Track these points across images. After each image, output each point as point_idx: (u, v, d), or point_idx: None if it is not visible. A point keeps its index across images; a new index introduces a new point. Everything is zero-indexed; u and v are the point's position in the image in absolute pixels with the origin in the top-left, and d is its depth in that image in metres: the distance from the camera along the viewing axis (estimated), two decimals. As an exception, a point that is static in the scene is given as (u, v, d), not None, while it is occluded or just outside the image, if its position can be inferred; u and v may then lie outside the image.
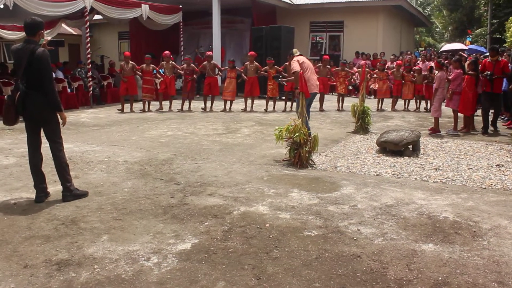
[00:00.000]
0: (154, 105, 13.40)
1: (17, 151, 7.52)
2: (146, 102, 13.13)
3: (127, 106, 12.99)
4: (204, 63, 13.15)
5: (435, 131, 9.35)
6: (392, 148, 7.37)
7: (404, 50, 21.71)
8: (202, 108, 13.13)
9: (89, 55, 14.76)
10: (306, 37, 21.22)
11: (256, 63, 13.09)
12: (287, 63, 12.50)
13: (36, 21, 4.84)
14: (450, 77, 9.62)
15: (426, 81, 12.94)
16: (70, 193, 5.00)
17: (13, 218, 4.45)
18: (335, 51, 20.95)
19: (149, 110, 13.05)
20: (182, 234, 4.02)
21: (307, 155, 6.57)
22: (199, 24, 21.29)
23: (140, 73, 13.07)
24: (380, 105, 13.49)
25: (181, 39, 18.46)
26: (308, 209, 4.68)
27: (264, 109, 13.06)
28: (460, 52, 17.38)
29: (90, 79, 14.22)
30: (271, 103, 13.23)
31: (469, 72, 9.57)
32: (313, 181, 5.76)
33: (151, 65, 13.08)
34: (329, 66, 13.74)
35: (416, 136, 7.52)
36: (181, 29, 18.22)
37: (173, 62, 13.32)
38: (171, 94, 13.30)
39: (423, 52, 20.16)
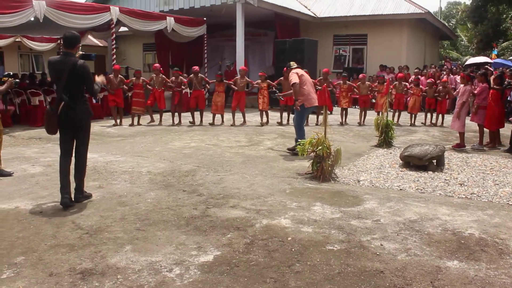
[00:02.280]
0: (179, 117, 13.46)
1: (44, 160, 7.67)
2: (136, 116, 12.83)
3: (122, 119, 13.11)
4: (191, 75, 13.00)
5: (460, 146, 9.22)
6: (416, 163, 7.29)
7: (428, 63, 21.51)
8: (190, 122, 12.94)
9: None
10: (329, 50, 21.22)
11: (247, 78, 13.10)
12: (281, 78, 12.56)
13: (75, 35, 5.23)
14: (475, 91, 9.49)
15: (437, 95, 12.92)
16: (83, 195, 5.37)
17: (39, 226, 4.53)
18: (359, 64, 20.91)
19: (138, 124, 12.72)
20: (204, 246, 4.04)
21: (329, 168, 6.54)
22: (223, 37, 21.50)
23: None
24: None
25: (205, 51, 18.66)
26: (330, 223, 4.65)
27: (260, 122, 12.92)
28: (486, 66, 17.17)
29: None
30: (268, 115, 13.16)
31: (495, 86, 9.43)
32: (335, 195, 5.73)
33: (142, 78, 12.93)
34: (330, 80, 13.49)
35: (440, 151, 7.42)
36: (205, 42, 18.42)
37: (163, 75, 13.07)
38: (161, 108, 13.02)
39: (445, 64, 19.89)
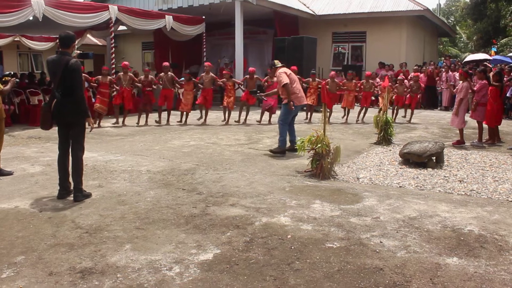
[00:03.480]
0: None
1: (43, 159, 7.66)
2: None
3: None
4: (161, 74, 12.71)
5: (459, 143, 9.22)
6: (415, 160, 7.29)
7: (428, 60, 21.51)
8: (156, 121, 12.63)
9: (113, 65, 15.00)
10: (328, 48, 21.22)
11: (212, 74, 12.94)
12: (247, 76, 12.69)
13: (70, 35, 5.40)
14: (474, 88, 9.49)
15: (409, 90, 13.03)
16: (81, 194, 5.42)
17: (38, 225, 4.53)
18: (358, 62, 20.91)
19: (99, 126, 11.81)
20: (204, 244, 4.04)
21: (329, 166, 6.55)
22: (222, 35, 21.49)
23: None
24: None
25: (204, 49, 18.65)
26: (330, 221, 4.66)
27: (222, 120, 12.84)
28: (485, 63, 17.18)
29: (114, 89, 14.39)
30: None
31: (494, 83, 9.43)
32: (335, 193, 5.74)
33: (108, 77, 12.46)
34: (299, 76, 12.89)
35: (439, 148, 7.43)
36: (204, 40, 18.42)
37: (131, 74, 12.66)
38: (126, 109, 12.54)
39: (444, 61, 19.88)
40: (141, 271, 3.52)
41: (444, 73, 17.10)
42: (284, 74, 8.04)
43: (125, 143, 9.50)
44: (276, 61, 8.56)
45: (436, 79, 17.45)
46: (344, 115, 13.41)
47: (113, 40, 15.40)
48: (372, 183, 6.35)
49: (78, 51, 5.64)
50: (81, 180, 5.44)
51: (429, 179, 6.54)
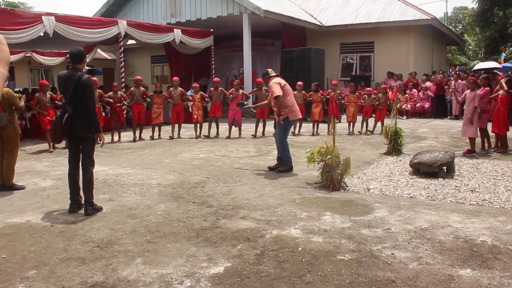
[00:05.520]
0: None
1: (54, 173, 7.72)
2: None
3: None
4: (132, 89, 12.37)
5: (471, 152, 9.15)
6: (426, 170, 7.25)
7: (436, 69, 21.44)
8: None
9: (123, 79, 15.13)
10: (336, 58, 21.24)
11: (181, 89, 12.70)
12: (212, 88, 12.55)
13: (81, 51, 5.57)
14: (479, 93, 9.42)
15: (378, 103, 12.63)
16: (92, 207, 5.45)
17: (50, 240, 4.56)
18: (366, 72, 20.89)
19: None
20: (215, 258, 4.04)
21: (339, 177, 6.52)
22: (230, 47, 21.64)
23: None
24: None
25: (213, 62, 18.76)
26: (341, 233, 4.64)
27: (198, 135, 12.60)
28: (495, 71, 17.10)
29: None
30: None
31: (508, 90, 9.36)
32: (345, 204, 5.71)
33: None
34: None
35: (450, 157, 7.38)
36: (213, 53, 18.53)
37: (100, 90, 11.71)
38: None
39: (452, 70, 19.77)
40: (152, 285, 3.52)
41: (453, 82, 17.03)
42: (277, 85, 7.55)
43: (135, 156, 9.55)
44: (269, 70, 8.03)
45: (445, 87, 17.39)
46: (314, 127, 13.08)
47: (122, 54, 15.54)
48: (383, 194, 6.32)
49: (88, 67, 5.68)
50: (92, 194, 5.48)
51: (440, 189, 6.49)
